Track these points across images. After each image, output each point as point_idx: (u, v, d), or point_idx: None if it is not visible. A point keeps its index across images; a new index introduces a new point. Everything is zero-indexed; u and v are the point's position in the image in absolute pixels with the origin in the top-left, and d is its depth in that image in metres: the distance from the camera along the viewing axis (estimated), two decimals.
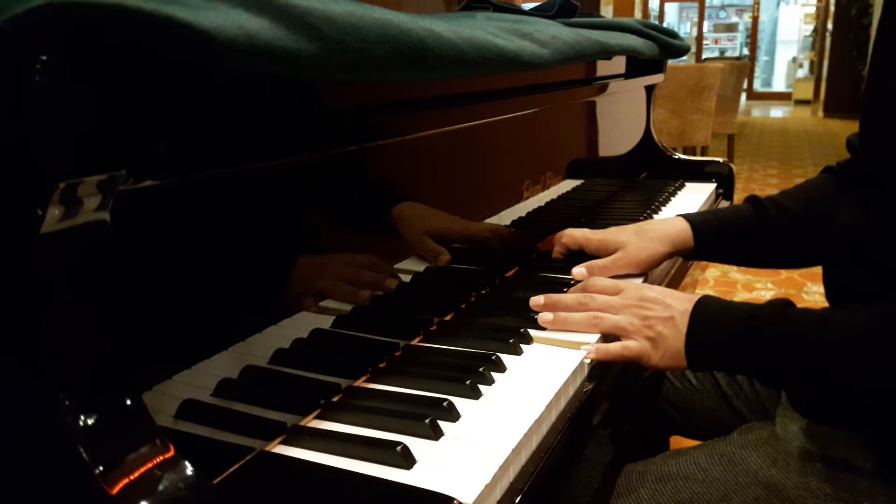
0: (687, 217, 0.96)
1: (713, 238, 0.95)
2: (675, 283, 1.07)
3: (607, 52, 1.01)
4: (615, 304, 0.74)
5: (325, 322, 0.65)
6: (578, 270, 0.89)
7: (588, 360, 0.69)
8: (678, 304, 0.72)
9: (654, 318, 0.72)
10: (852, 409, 0.69)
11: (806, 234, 0.91)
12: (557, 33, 0.85)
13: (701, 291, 2.77)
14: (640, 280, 0.91)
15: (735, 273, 3.10)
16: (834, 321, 0.65)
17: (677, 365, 0.71)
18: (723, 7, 14.28)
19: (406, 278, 0.75)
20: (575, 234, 0.96)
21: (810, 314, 0.67)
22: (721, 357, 0.70)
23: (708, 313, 0.71)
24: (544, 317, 0.75)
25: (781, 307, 0.68)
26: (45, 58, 0.34)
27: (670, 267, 1.05)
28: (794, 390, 0.76)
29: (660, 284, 0.99)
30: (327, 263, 0.65)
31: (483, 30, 0.68)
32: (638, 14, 9.82)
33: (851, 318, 0.64)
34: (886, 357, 0.61)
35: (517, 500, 0.51)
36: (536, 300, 0.78)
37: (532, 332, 0.73)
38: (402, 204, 0.75)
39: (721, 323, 0.70)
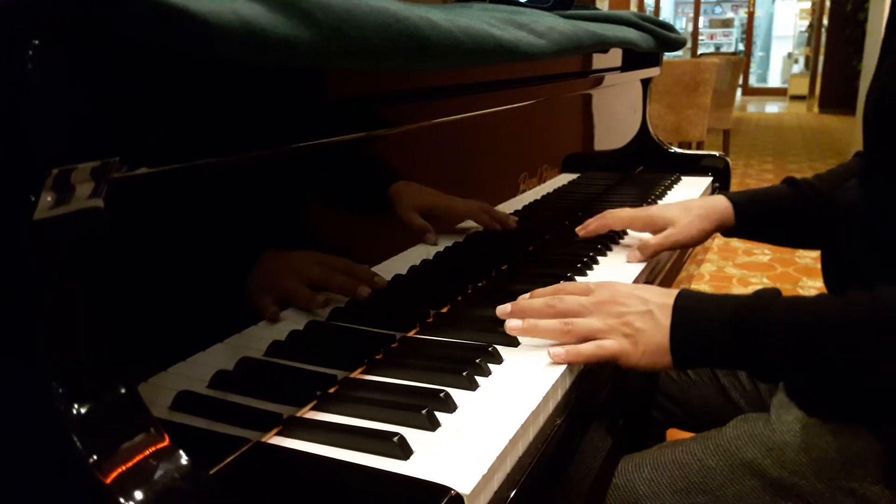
0: (728, 196, 1.01)
1: (753, 217, 1.00)
2: (670, 277, 1.07)
3: (604, 44, 1.01)
4: (586, 305, 0.68)
5: (321, 314, 0.64)
6: (633, 254, 0.95)
7: (562, 365, 0.65)
8: (655, 297, 0.68)
9: (631, 313, 0.67)
10: (856, 399, 0.65)
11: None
12: (554, 24, 0.84)
13: (696, 286, 2.77)
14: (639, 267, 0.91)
15: (731, 268, 3.10)
16: (832, 308, 0.62)
17: (660, 362, 0.66)
18: (718, 2, 14.28)
19: (403, 270, 0.75)
20: (621, 216, 1.00)
21: (803, 301, 0.64)
22: (711, 351, 0.65)
23: (692, 305, 0.66)
24: (512, 324, 0.69)
25: (770, 298, 0.65)
26: (37, 42, 0.33)
27: (666, 261, 1.05)
28: (793, 383, 0.73)
29: (656, 278, 0.99)
30: (325, 252, 0.65)
31: (480, 20, 0.67)
32: (634, 9, 9.81)
33: (849, 305, 0.61)
34: (889, 344, 0.58)
35: (514, 491, 0.51)
36: (503, 308, 0.71)
37: None
38: (397, 183, 0.74)
39: (708, 315, 0.65)
